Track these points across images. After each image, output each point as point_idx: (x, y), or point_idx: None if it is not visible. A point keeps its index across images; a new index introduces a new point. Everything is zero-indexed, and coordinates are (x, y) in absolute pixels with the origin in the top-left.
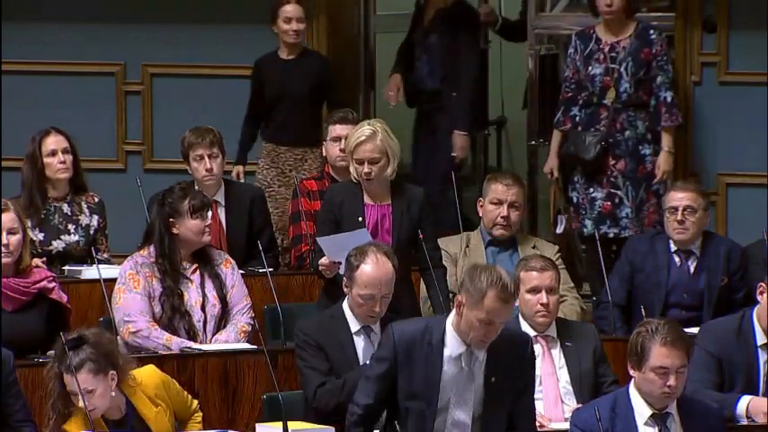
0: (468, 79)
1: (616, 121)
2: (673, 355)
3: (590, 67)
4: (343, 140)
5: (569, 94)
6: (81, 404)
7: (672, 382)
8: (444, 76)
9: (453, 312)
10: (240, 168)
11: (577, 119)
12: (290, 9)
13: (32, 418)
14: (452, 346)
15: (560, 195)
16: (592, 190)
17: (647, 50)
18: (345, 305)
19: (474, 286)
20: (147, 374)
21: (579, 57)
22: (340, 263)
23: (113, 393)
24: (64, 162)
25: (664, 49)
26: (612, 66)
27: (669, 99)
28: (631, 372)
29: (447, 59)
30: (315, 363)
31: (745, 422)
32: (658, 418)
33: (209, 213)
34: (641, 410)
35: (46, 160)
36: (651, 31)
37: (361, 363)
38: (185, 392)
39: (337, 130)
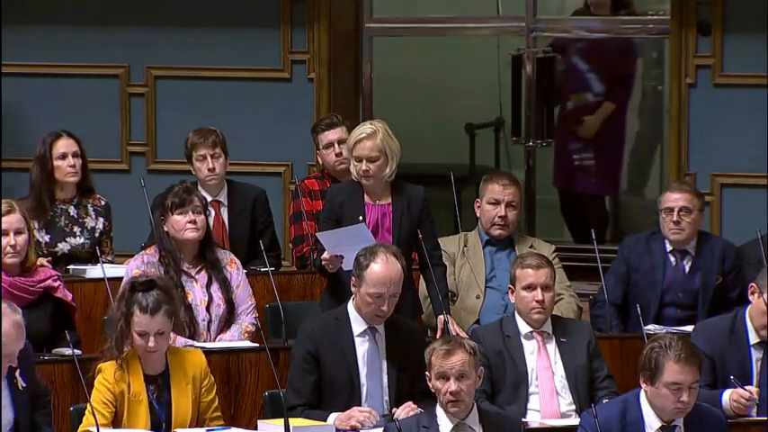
0: None
1: None
2: (686, 372)
3: None
4: (336, 145)
5: None
6: (151, 344)
7: (685, 397)
8: None
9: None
10: None
11: None
12: None
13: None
14: None
15: None
16: None
17: None
18: (350, 306)
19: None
20: (197, 354)
21: None
22: (342, 256)
23: (171, 338)
24: (74, 166)
25: None
26: None
27: None
28: (643, 386)
29: None
30: (297, 382)
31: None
32: (667, 430)
33: (195, 210)
34: (651, 422)
35: (56, 163)
36: None
37: (361, 367)
38: (217, 400)
39: (328, 136)
